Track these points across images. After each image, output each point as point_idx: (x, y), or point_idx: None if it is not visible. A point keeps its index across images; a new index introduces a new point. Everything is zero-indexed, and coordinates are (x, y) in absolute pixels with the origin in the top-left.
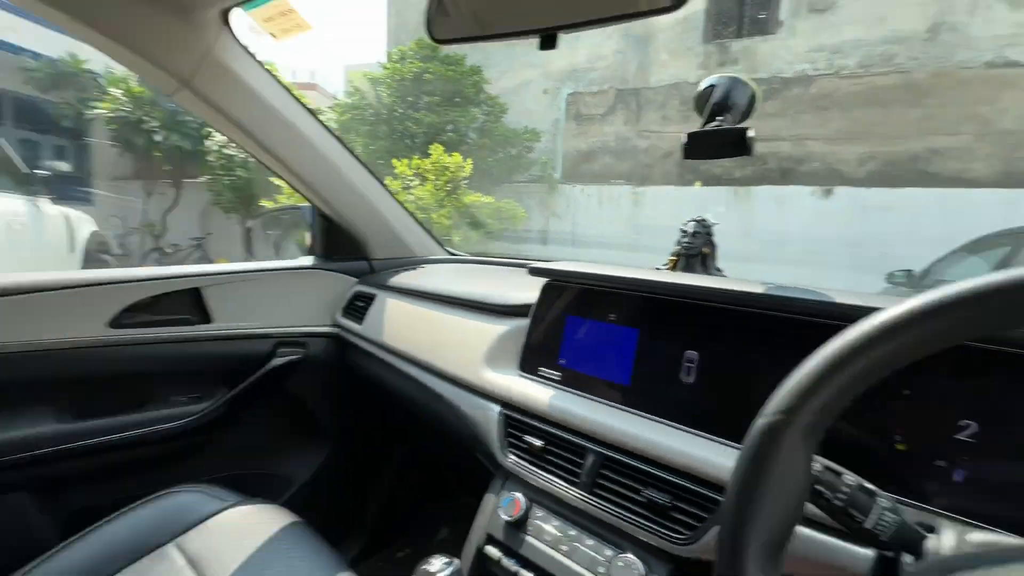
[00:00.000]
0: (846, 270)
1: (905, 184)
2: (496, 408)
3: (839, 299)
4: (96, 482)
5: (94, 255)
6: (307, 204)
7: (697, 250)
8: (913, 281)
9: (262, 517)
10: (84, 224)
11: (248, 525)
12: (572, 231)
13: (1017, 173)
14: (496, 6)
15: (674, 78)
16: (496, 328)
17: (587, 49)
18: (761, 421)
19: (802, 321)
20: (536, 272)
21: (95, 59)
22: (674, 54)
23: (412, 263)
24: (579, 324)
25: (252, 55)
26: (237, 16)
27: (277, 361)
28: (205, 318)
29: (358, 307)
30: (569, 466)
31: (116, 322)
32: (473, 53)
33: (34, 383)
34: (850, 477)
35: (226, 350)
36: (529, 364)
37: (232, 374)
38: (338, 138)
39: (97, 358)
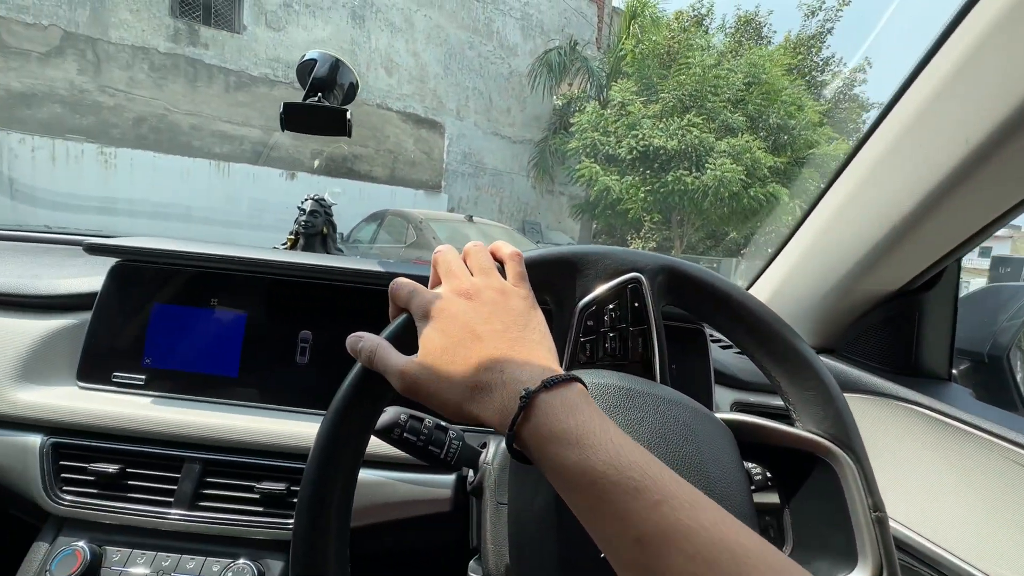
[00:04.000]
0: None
1: (342, 176)
2: (38, 439)
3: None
4: None
5: None
6: None
7: (317, 229)
8: (345, 239)
9: None
10: None
11: None
12: (11, 188)
13: (396, 176)
14: None
15: (141, 41)
16: (33, 328)
17: None
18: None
19: None
20: (97, 250)
21: None
22: (137, 15)
23: None
24: (169, 313)
25: None
26: None
27: None
28: None
29: None
30: (160, 485)
31: None
32: None
33: None
34: (429, 420)
35: None
36: (95, 371)
37: None
38: None
39: None
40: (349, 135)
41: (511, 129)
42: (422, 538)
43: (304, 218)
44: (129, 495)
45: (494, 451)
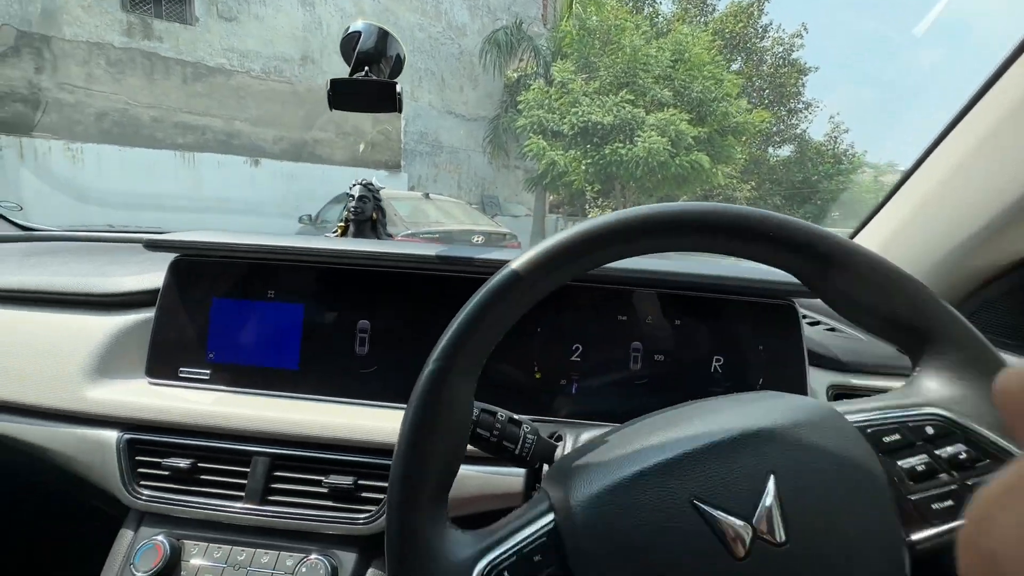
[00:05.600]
0: (277, 216)
1: (304, 160)
2: (113, 435)
3: (486, 256)
4: None
5: None
6: None
7: (367, 215)
8: (313, 221)
9: None
10: None
11: None
12: None
13: (357, 159)
14: None
15: (96, 37)
16: (104, 325)
17: None
18: (427, 369)
19: (462, 277)
20: (156, 245)
21: None
22: (90, 11)
23: None
24: (229, 307)
25: None
26: None
27: None
28: None
29: None
30: (231, 480)
31: None
32: None
33: None
34: (502, 414)
35: None
36: (162, 367)
37: None
38: None
39: None
40: (400, 110)
41: (465, 107)
42: None
43: (353, 204)
44: (202, 489)
45: (571, 445)
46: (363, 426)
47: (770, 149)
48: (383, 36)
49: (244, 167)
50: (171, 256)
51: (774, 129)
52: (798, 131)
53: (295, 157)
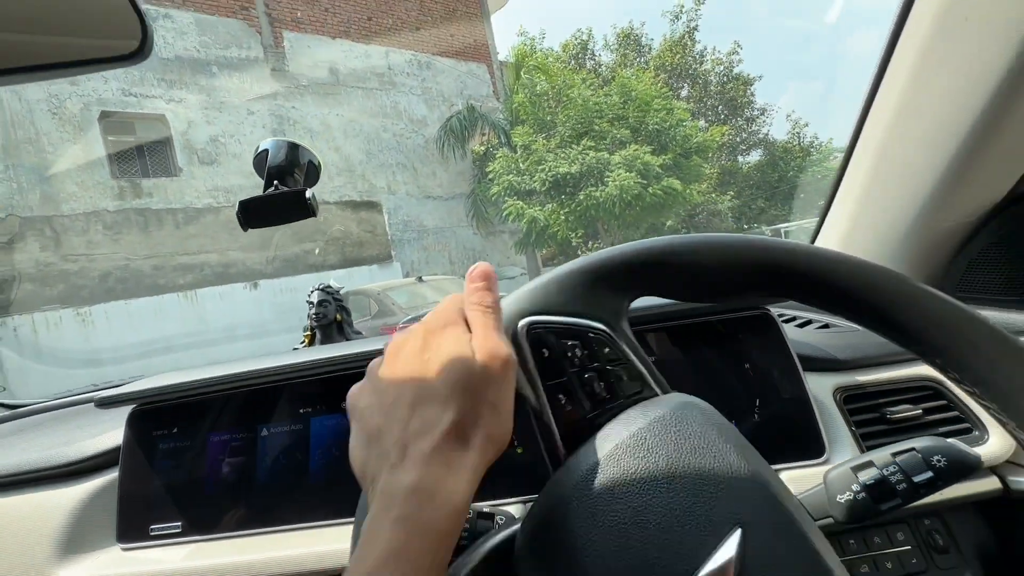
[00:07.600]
0: (285, 332)
1: (300, 273)
2: None
3: None
4: None
5: None
6: None
7: (330, 318)
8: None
9: None
10: None
11: None
12: (1, 368)
13: (349, 259)
14: None
15: (91, 207)
16: (68, 497)
17: None
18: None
19: None
20: (108, 402)
21: None
22: (84, 186)
23: None
24: (190, 450)
25: None
26: None
27: None
28: None
29: None
30: None
31: None
32: None
33: None
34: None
35: None
36: (132, 530)
37: None
38: None
39: None
40: (315, 214)
41: (440, 189)
42: None
43: (314, 311)
44: None
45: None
46: (326, 551)
47: (740, 158)
48: (292, 148)
49: (244, 292)
50: (126, 411)
51: (738, 139)
52: (760, 136)
53: (291, 272)
